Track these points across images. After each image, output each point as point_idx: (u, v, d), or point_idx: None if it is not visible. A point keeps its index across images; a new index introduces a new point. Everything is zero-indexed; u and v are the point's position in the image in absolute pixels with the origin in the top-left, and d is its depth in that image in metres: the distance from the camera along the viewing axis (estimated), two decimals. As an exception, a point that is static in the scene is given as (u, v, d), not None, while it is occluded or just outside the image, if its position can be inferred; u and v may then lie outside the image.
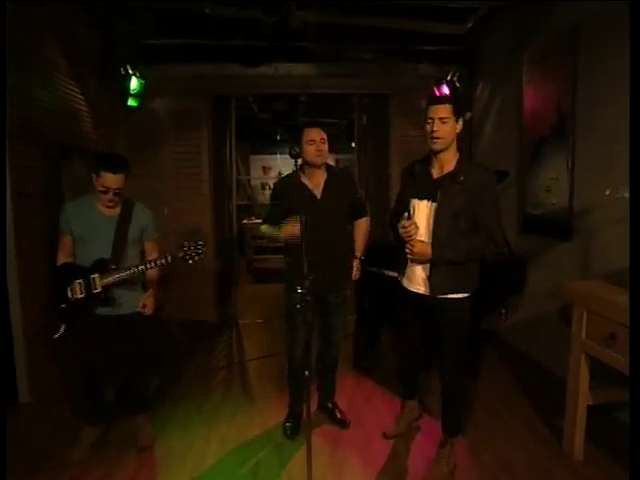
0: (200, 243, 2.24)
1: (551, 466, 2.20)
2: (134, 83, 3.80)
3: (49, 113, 3.18)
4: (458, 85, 4.22)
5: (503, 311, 3.77)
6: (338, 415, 2.62)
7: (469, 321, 2.10)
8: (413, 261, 2.09)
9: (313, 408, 2.68)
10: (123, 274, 2.18)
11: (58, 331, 2.24)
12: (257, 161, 9.57)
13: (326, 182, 2.36)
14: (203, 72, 4.27)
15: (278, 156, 9.16)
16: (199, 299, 4.55)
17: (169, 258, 2.20)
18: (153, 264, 2.21)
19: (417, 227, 2.02)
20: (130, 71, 3.76)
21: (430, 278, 2.04)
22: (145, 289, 2.39)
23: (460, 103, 2.05)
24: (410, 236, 1.99)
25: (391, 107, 4.59)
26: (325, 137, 2.30)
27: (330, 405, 2.67)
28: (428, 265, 2.04)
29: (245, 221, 8.03)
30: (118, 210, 2.28)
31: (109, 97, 4.03)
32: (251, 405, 2.87)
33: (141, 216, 2.35)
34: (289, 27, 3.32)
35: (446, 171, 2.01)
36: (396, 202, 2.33)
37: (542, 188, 3.27)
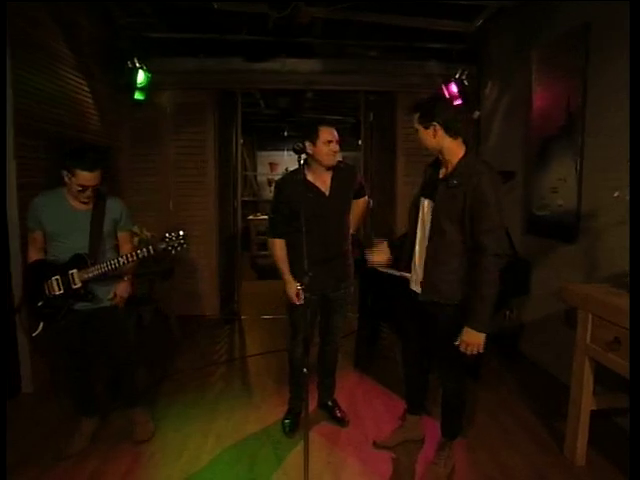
0: (182, 234, 2.13)
1: (552, 471, 2.16)
2: (141, 76, 3.79)
3: (54, 105, 3.19)
4: (467, 84, 4.17)
5: (507, 312, 3.73)
6: (337, 413, 2.61)
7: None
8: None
9: (313, 406, 2.68)
10: (103, 268, 2.13)
11: (36, 329, 2.20)
12: (264, 157, 9.56)
13: (333, 179, 2.33)
14: (208, 66, 4.27)
15: (285, 152, 9.14)
16: (201, 294, 4.56)
17: (151, 250, 2.11)
18: (134, 256, 2.12)
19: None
20: (137, 64, 3.75)
21: (422, 282, 2.00)
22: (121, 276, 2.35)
23: (428, 109, 1.93)
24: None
25: (398, 105, 4.55)
26: (338, 136, 2.26)
27: (330, 403, 2.66)
28: (423, 267, 2.00)
29: (251, 217, 8.03)
30: (90, 203, 2.21)
31: (114, 90, 4.04)
32: (250, 401, 2.86)
33: (115, 208, 2.29)
34: (296, 23, 3.30)
35: (449, 171, 1.97)
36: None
37: (549, 189, 3.22)
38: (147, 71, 3.83)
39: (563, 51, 3.04)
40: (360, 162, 5.04)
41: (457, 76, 4.16)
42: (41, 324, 2.20)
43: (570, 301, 2.28)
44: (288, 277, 2.32)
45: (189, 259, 4.38)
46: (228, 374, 3.31)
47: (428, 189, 2.05)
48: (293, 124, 8.22)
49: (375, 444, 2.36)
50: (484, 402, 2.83)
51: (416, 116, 1.95)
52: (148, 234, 3.60)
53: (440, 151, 1.96)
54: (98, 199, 2.24)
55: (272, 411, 2.68)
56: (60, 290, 2.16)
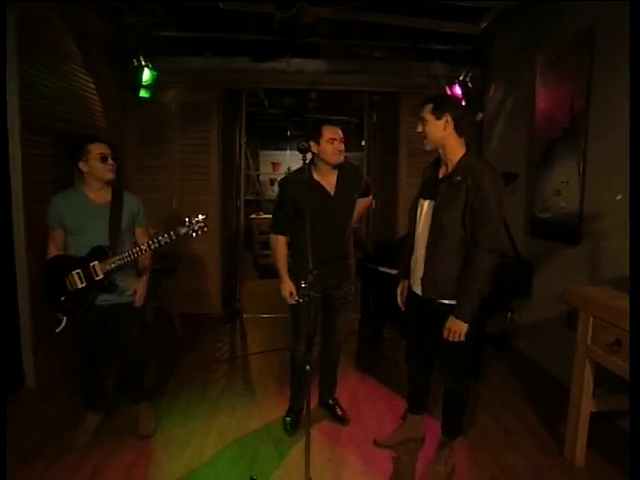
0: (201, 217, 2.15)
1: (551, 472, 2.17)
2: (146, 75, 3.81)
3: (60, 102, 3.21)
4: (470, 85, 4.18)
5: (509, 314, 3.74)
6: (338, 411, 2.62)
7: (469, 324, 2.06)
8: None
9: (314, 404, 2.69)
10: (125, 257, 2.16)
11: (60, 324, 2.22)
12: (266, 156, 9.58)
13: (338, 179, 2.35)
14: (213, 65, 4.28)
15: (288, 152, 9.16)
16: (204, 293, 4.57)
17: (172, 235, 2.12)
18: (157, 242, 2.13)
19: None
20: (142, 62, 3.77)
21: (423, 279, 2.02)
22: (139, 274, 2.40)
23: (442, 101, 1.97)
24: None
25: (401, 106, 4.56)
26: (343, 136, 2.27)
27: (331, 401, 2.67)
28: (423, 266, 2.01)
29: (253, 216, 8.05)
30: (108, 198, 2.27)
31: (120, 88, 4.06)
32: (252, 399, 2.88)
33: (132, 202, 2.35)
34: (301, 23, 3.31)
35: (450, 170, 1.98)
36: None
37: (552, 191, 3.23)
38: (153, 69, 3.85)
39: (568, 53, 3.05)
40: (363, 162, 5.06)
41: (461, 78, 4.17)
42: (64, 319, 2.22)
43: (572, 303, 2.29)
44: (284, 276, 2.34)
45: (192, 258, 4.40)
46: (230, 372, 3.33)
47: (428, 190, 2.06)
48: (297, 124, 8.23)
49: (376, 442, 2.37)
50: (486, 402, 2.84)
51: (429, 107, 1.94)
52: (152, 231, 3.61)
53: (443, 147, 1.97)
54: (115, 192, 2.29)
55: (274, 409, 2.70)
56: (82, 283, 2.17)
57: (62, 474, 2.10)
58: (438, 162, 2.09)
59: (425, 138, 1.98)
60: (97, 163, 2.19)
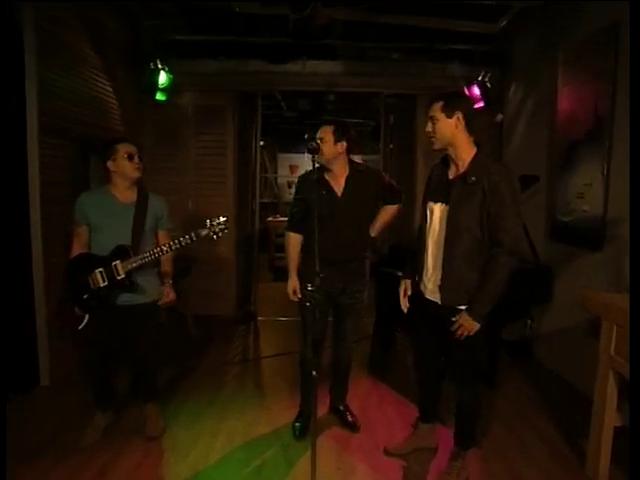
0: (223, 219, 2.15)
1: (571, 488, 2.08)
2: (163, 77, 3.85)
3: (77, 105, 3.26)
4: (489, 86, 4.09)
5: (529, 321, 3.62)
6: (349, 418, 2.57)
7: (484, 331, 1.97)
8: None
9: (324, 410, 2.65)
10: (146, 257, 2.18)
11: (81, 322, 2.24)
12: (284, 159, 9.61)
13: (347, 179, 2.31)
14: (228, 68, 4.30)
15: (305, 155, 9.12)
16: (218, 294, 4.58)
17: (193, 236, 2.13)
18: (178, 243, 2.15)
19: None
20: (159, 66, 3.81)
21: (441, 287, 1.94)
22: (161, 279, 2.41)
23: (453, 99, 1.91)
24: None
25: (418, 108, 4.48)
26: (325, 136, 2.24)
27: (341, 407, 2.62)
28: (441, 272, 1.93)
29: (270, 219, 8.06)
30: (134, 198, 2.31)
31: (137, 91, 4.11)
32: (262, 402, 2.85)
33: (157, 204, 2.38)
34: (315, 24, 3.29)
35: (461, 170, 1.91)
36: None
37: (574, 194, 3.11)
38: (169, 72, 3.89)
39: (591, 52, 2.94)
40: (380, 165, 5.00)
41: (480, 78, 4.08)
42: (86, 316, 2.25)
43: (592, 310, 2.19)
44: (292, 273, 2.37)
45: (206, 259, 4.41)
46: (241, 374, 3.31)
47: (438, 193, 1.99)
48: (313, 126, 8.22)
49: (386, 451, 2.31)
50: (501, 412, 2.74)
51: (439, 105, 1.89)
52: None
53: (453, 146, 1.91)
54: (140, 193, 2.33)
55: (283, 413, 2.66)
56: (104, 282, 2.20)
57: (68, 473, 2.11)
58: (445, 162, 2.02)
59: (434, 138, 1.92)
60: (124, 162, 2.24)
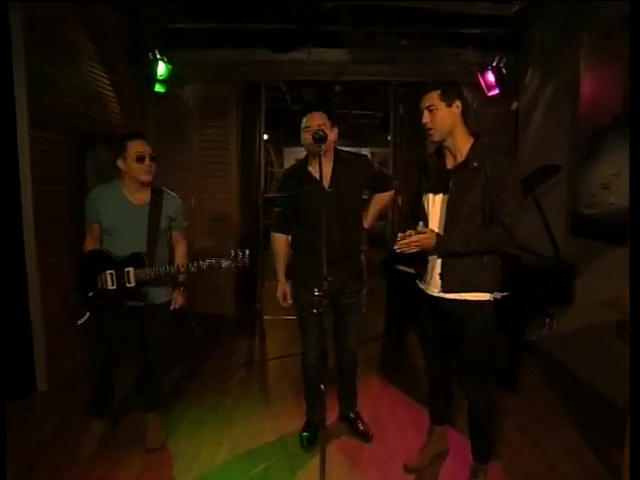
0: (247, 252, 2.14)
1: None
2: (161, 68, 3.70)
3: (75, 98, 3.14)
4: (504, 72, 3.88)
5: (548, 320, 3.43)
6: (360, 427, 2.41)
7: (493, 329, 1.87)
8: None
9: (334, 417, 2.50)
10: (161, 271, 2.08)
11: (82, 317, 2.17)
12: (291, 153, 9.41)
13: (335, 171, 2.14)
14: (232, 58, 4.14)
15: (311, 149, 9.00)
16: (222, 293, 4.45)
17: (214, 263, 2.10)
18: (198, 267, 2.09)
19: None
20: (157, 56, 3.66)
21: (442, 274, 1.83)
22: (174, 282, 2.30)
23: (451, 87, 1.80)
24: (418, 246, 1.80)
25: (429, 96, 4.29)
26: (325, 122, 2.09)
27: (352, 415, 2.46)
28: (440, 262, 1.83)
29: (276, 214, 7.91)
30: (147, 198, 2.17)
31: (136, 83, 3.97)
32: (267, 409, 2.72)
33: (171, 204, 2.24)
34: (319, 9, 3.11)
35: (459, 160, 1.81)
36: (406, 202, 2.10)
37: (599, 185, 2.91)
38: (168, 63, 3.73)
39: (619, 32, 2.72)
40: (389, 157, 4.82)
41: (494, 64, 3.88)
42: (87, 314, 2.17)
43: (618, 308, 2.02)
44: (281, 276, 2.25)
45: (210, 256, 4.27)
46: (247, 378, 3.18)
47: (437, 184, 1.88)
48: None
49: (406, 468, 2.14)
50: (522, 420, 2.56)
51: (436, 93, 1.78)
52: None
53: (450, 135, 1.81)
54: (154, 193, 2.19)
55: (290, 421, 2.52)
56: (113, 285, 2.10)
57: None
58: (440, 154, 1.91)
59: (433, 129, 1.80)
60: (133, 163, 2.08)
